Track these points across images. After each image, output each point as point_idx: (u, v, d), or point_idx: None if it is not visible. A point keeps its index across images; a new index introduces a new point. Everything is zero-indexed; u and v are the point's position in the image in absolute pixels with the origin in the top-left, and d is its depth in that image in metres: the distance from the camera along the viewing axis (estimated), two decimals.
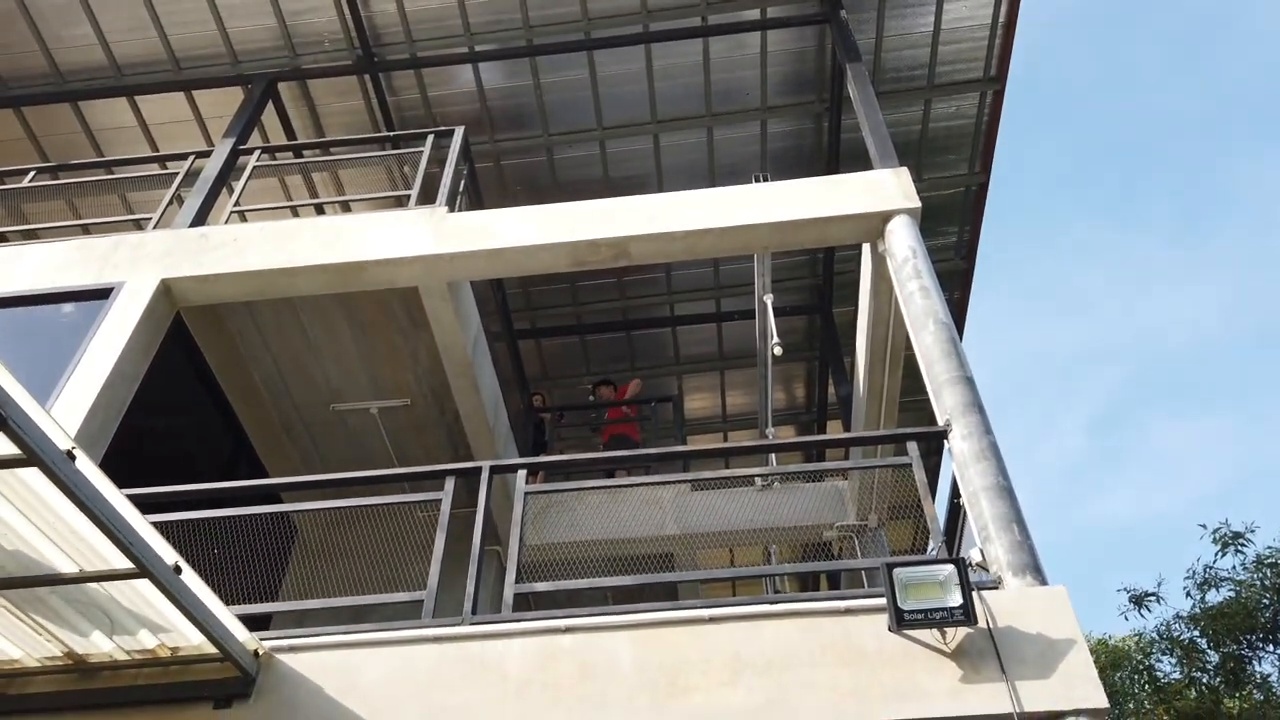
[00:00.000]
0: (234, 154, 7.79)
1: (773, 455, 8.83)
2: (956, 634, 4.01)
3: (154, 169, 8.26)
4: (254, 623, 4.34)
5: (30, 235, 7.59)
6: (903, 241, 6.05)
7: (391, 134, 8.78)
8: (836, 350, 10.19)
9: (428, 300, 6.66)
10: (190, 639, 4.00)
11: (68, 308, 6.27)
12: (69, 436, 3.12)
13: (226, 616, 4.00)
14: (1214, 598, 11.79)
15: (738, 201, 6.51)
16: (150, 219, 7.11)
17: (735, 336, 10.96)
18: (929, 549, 4.80)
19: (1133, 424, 76.16)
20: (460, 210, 7.06)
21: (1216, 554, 11.85)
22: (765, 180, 7.21)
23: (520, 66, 8.99)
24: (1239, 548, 11.71)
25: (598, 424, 10.26)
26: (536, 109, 9.24)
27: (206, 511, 4.96)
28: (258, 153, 7.75)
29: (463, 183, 7.47)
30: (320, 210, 9.32)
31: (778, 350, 7.67)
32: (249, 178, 7.47)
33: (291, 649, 4.35)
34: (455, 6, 8.56)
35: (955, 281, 10.18)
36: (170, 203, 7.35)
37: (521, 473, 5.22)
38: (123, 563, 3.51)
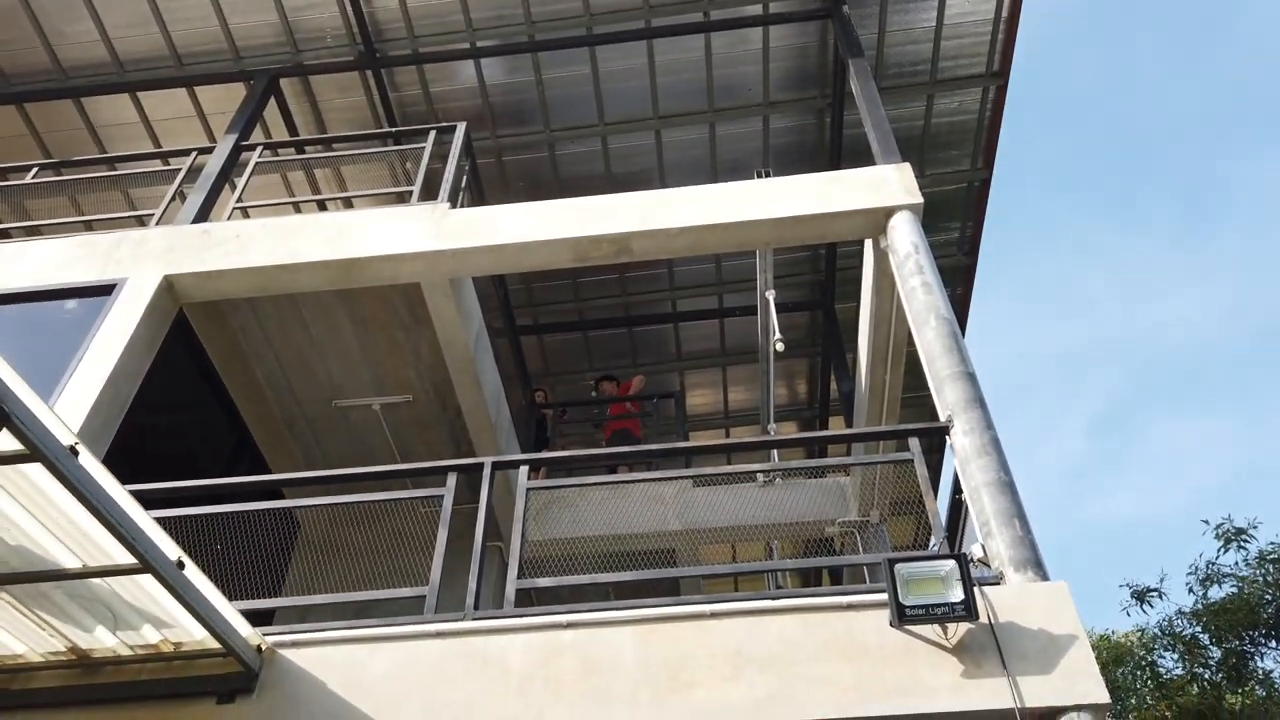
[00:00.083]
0: (236, 150, 7.80)
1: (775, 451, 8.85)
2: (958, 629, 4.02)
3: (156, 165, 8.26)
4: (257, 618, 4.35)
5: (33, 232, 7.59)
6: (905, 237, 6.04)
7: (394, 130, 8.79)
8: (838, 346, 10.19)
9: (430, 296, 6.66)
10: (193, 634, 4.01)
11: (71, 304, 6.28)
12: (72, 432, 3.13)
13: (229, 612, 4.01)
14: (1216, 593, 11.80)
15: (740, 197, 6.51)
16: (153, 215, 7.12)
17: (737, 332, 10.96)
18: (931, 544, 4.80)
19: (1134, 424, 76.13)
20: (462, 206, 7.06)
21: (1219, 550, 11.87)
22: (767, 176, 7.21)
23: (522, 62, 8.99)
24: (1241, 544, 11.72)
25: (600, 420, 10.26)
26: (538, 105, 9.23)
27: (209, 507, 4.97)
28: (260, 149, 7.76)
29: (465, 179, 7.48)
30: (322, 206, 9.32)
31: (779, 346, 7.67)
32: (251, 174, 7.47)
33: (294, 644, 4.36)
34: (457, 2, 8.55)
35: (957, 277, 10.17)
36: (173, 199, 7.35)
37: (523, 468, 5.22)
38: (126, 558, 3.52)
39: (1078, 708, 3.81)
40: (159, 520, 3.62)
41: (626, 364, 11.20)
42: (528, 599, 4.82)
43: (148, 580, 3.66)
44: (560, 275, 10.26)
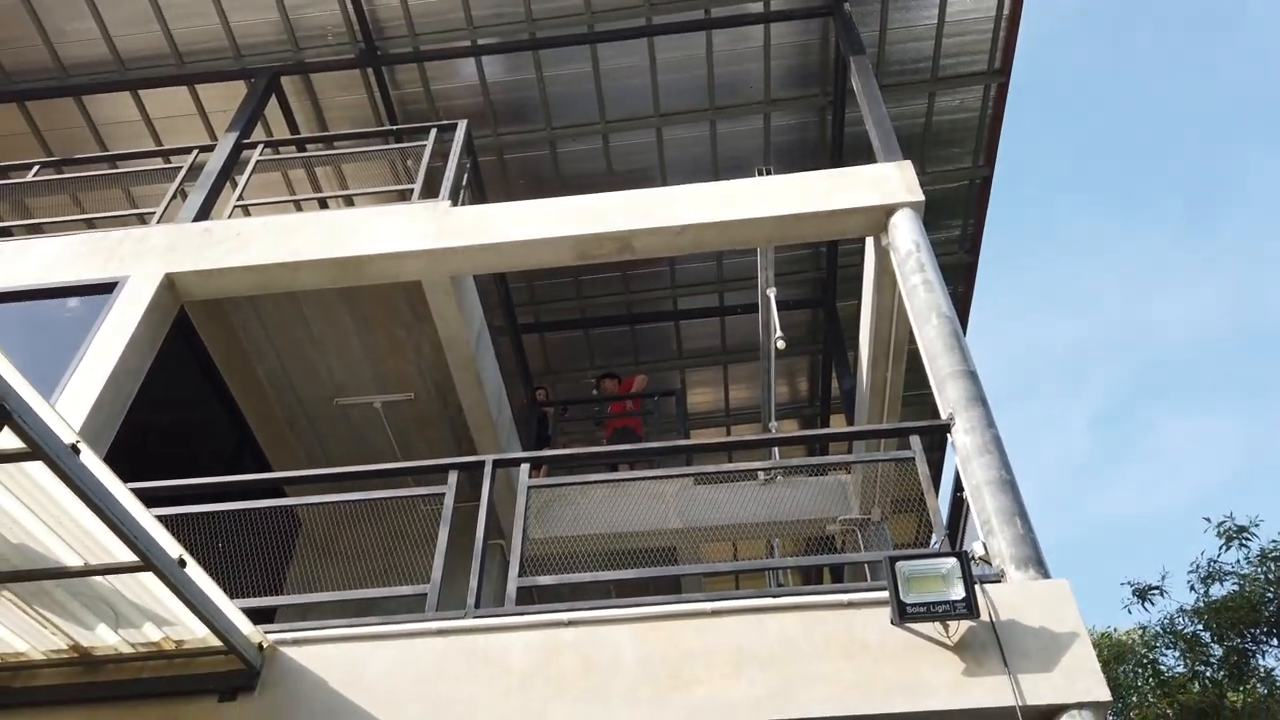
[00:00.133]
0: (237, 148, 7.80)
1: (776, 449, 8.84)
2: (959, 627, 4.02)
3: (157, 163, 8.27)
4: (258, 616, 4.36)
5: (34, 230, 7.60)
6: (906, 235, 6.04)
7: (394, 128, 8.79)
8: (840, 344, 10.18)
9: (431, 294, 6.66)
10: (195, 632, 4.02)
11: (72, 302, 6.28)
12: (74, 431, 3.14)
13: (231, 610, 4.01)
14: (1218, 591, 11.79)
15: (741, 195, 6.50)
16: (154, 213, 7.12)
17: (738, 330, 10.95)
18: (932, 543, 4.80)
19: (1136, 421, 76.11)
20: (463, 204, 7.06)
21: (1220, 548, 11.86)
22: (768, 174, 7.20)
23: (523, 60, 8.98)
24: (1243, 541, 11.71)
25: (601, 418, 10.26)
26: (539, 102, 9.23)
27: (211, 505, 4.97)
28: (261, 147, 7.76)
29: (466, 177, 7.48)
30: (323, 204, 9.32)
31: (781, 344, 7.66)
32: (252, 172, 7.48)
33: (296, 642, 4.36)
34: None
35: (959, 275, 10.16)
36: (174, 197, 7.36)
37: (524, 466, 5.22)
38: (127, 556, 3.52)
39: (1079, 706, 3.81)
40: (160, 518, 3.62)
41: (628, 362, 11.20)
42: (529, 597, 4.82)
43: (149, 578, 3.66)
44: (562, 273, 10.26)
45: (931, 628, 4.05)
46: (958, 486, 5.17)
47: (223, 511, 4.96)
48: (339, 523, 6.95)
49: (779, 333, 7.69)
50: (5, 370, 2.84)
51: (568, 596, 4.77)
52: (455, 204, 6.82)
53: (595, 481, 6.25)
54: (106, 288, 6.22)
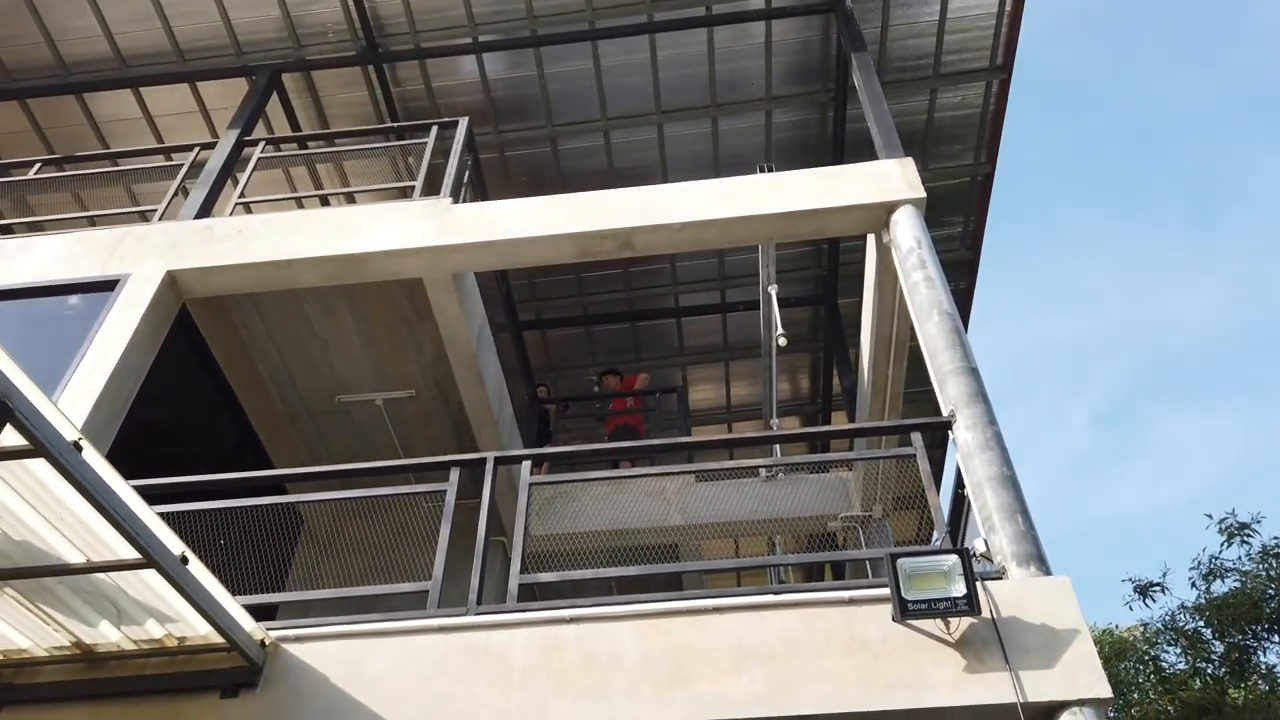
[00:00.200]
0: (238, 145, 7.80)
1: (777, 446, 8.85)
2: (960, 624, 4.02)
3: (159, 161, 8.28)
4: (260, 613, 4.37)
5: (36, 227, 7.60)
6: (908, 232, 6.04)
7: (396, 125, 8.79)
8: (841, 341, 10.18)
9: (432, 292, 6.66)
10: (197, 629, 4.03)
11: (74, 299, 6.29)
12: (76, 428, 3.14)
13: (233, 606, 4.02)
14: (1219, 588, 11.77)
15: (742, 192, 6.50)
16: (155, 211, 7.12)
17: (740, 327, 10.95)
18: (933, 539, 4.80)
19: (1138, 417, 76.07)
20: (464, 201, 7.06)
21: (1222, 544, 11.83)
22: (770, 171, 7.20)
23: (524, 57, 8.98)
24: (1245, 538, 11.68)
25: (603, 414, 10.27)
26: (540, 100, 9.23)
27: (213, 502, 4.98)
28: (262, 144, 7.76)
29: (467, 174, 7.47)
30: (325, 202, 9.32)
31: (782, 341, 7.66)
32: (253, 169, 7.48)
33: (298, 639, 4.37)
34: None
35: (961, 272, 10.16)
36: (175, 194, 7.36)
37: (526, 464, 5.22)
38: (130, 553, 3.53)
39: (1080, 702, 3.81)
40: (163, 515, 3.63)
41: (629, 359, 11.20)
42: (530, 594, 4.83)
43: (151, 575, 3.67)
44: (563, 270, 10.26)
45: (933, 624, 4.05)
46: (959, 483, 5.18)
47: (224, 508, 4.97)
48: (340, 520, 6.97)
49: (780, 330, 7.69)
50: (7, 368, 2.84)
51: (569, 593, 4.77)
52: (456, 201, 6.82)
53: (596, 479, 6.26)
54: (108, 285, 6.23)
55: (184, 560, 3.68)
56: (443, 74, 9.14)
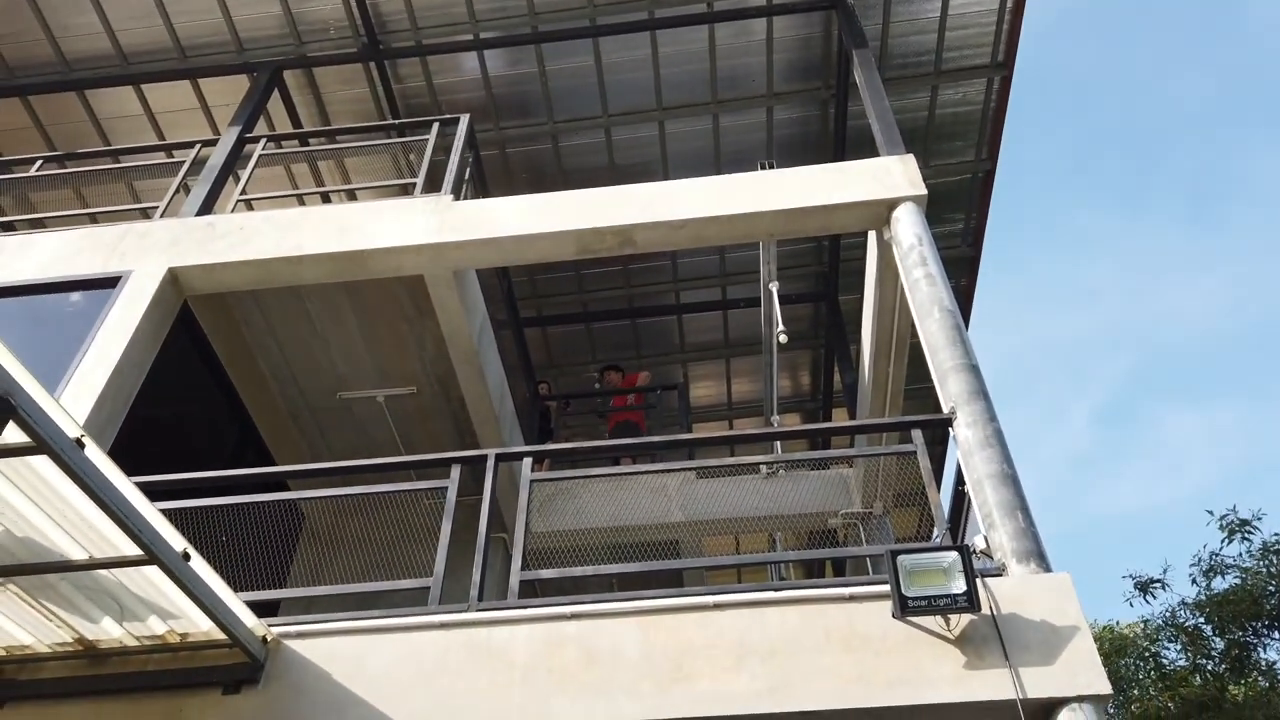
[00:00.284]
0: (240, 142, 7.81)
1: (778, 443, 8.85)
2: (960, 621, 4.03)
3: (160, 158, 8.29)
4: (262, 609, 4.38)
5: (38, 224, 7.61)
6: (908, 229, 6.04)
7: (397, 122, 8.80)
8: (842, 338, 10.18)
9: (433, 288, 6.67)
10: (199, 625, 4.04)
11: (75, 296, 6.30)
12: (78, 425, 3.15)
13: (235, 603, 4.03)
14: (1220, 585, 11.77)
15: (743, 189, 6.50)
16: (157, 208, 7.13)
17: (741, 324, 10.96)
18: (933, 536, 4.81)
19: (1139, 414, 76.02)
20: (465, 198, 7.06)
21: (1223, 541, 11.84)
22: (771, 167, 7.20)
23: (525, 54, 8.98)
24: (1245, 535, 11.69)
25: (604, 411, 10.28)
26: (542, 96, 9.23)
27: (215, 499, 4.99)
28: (263, 141, 7.77)
29: (468, 171, 7.48)
30: (326, 199, 9.32)
31: (783, 338, 7.67)
32: (255, 166, 7.49)
33: (299, 635, 4.38)
34: None
35: (962, 269, 10.16)
36: (177, 191, 7.37)
37: (527, 460, 5.23)
38: (132, 549, 3.54)
39: (1079, 699, 3.82)
40: (165, 512, 3.64)
41: (630, 356, 11.21)
42: (531, 590, 4.84)
43: (154, 572, 3.68)
44: (564, 267, 10.27)
45: (933, 621, 4.06)
46: (959, 480, 5.18)
47: (226, 505, 4.98)
48: (342, 516, 6.98)
49: (781, 327, 7.69)
50: (10, 365, 2.85)
51: (570, 590, 4.78)
52: (457, 198, 6.82)
53: (597, 475, 6.26)
54: (110, 282, 6.24)
55: (186, 557, 3.69)
56: (444, 71, 9.14)
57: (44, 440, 3.00)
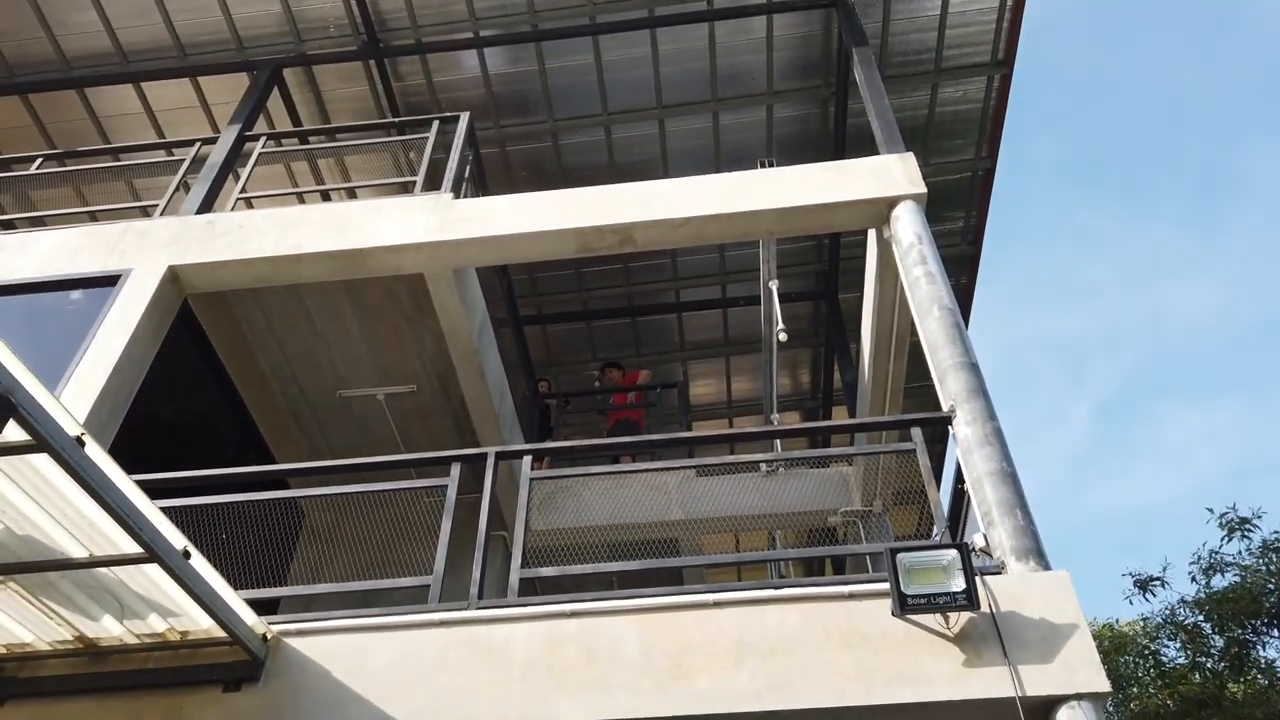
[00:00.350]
0: (240, 140, 7.81)
1: (778, 441, 8.86)
2: (959, 618, 4.03)
3: (160, 156, 8.29)
4: (262, 607, 4.38)
5: (38, 222, 7.62)
6: (908, 227, 6.04)
7: (397, 120, 8.79)
8: (842, 336, 10.19)
9: (433, 287, 6.67)
10: (199, 623, 4.04)
11: (76, 294, 6.30)
12: (78, 423, 3.15)
13: (235, 601, 4.03)
14: (1219, 582, 11.79)
15: (743, 187, 6.50)
16: (157, 206, 7.13)
17: (741, 322, 10.96)
18: (933, 534, 4.82)
19: (1139, 411, 76.01)
20: (465, 196, 7.06)
21: (1222, 539, 11.85)
22: (771, 165, 7.20)
23: (525, 52, 8.98)
24: (1245, 533, 11.70)
25: (604, 408, 10.29)
26: (542, 94, 9.23)
27: (215, 497, 4.99)
28: (263, 139, 7.77)
29: (468, 169, 7.48)
30: (326, 197, 9.33)
31: (782, 336, 7.67)
32: (255, 164, 7.49)
33: (299, 633, 4.39)
34: None
35: (961, 267, 10.16)
36: (177, 189, 7.37)
37: (527, 459, 5.24)
38: (132, 547, 3.54)
39: (1078, 696, 3.82)
40: (165, 510, 3.64)
41: (630, 354, 11.21)
42: (531, 588, 4.84)
43: (154, 569, 3.69)
44: (563, 265, 10.27)
45: (932, 619, 4.06)
46: (959, 478, 5.19)
47: (226, 503, 4.98)
48: (342, 514, 6.98)
49: (781, 325, 7.69)
50: (10, 363, 2.85)
51: (570, 588, 4.79)
52: (457, 196, 6.82)
53: (597, 474, 6.26)
54: (110, 280, 6.24)
55: (186, 555, 3.69)
56: (444, 69, 9.13)
57: (44, 438, 3.01)
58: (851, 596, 4.25)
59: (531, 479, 5.10)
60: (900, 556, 4.04)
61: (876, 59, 8.35)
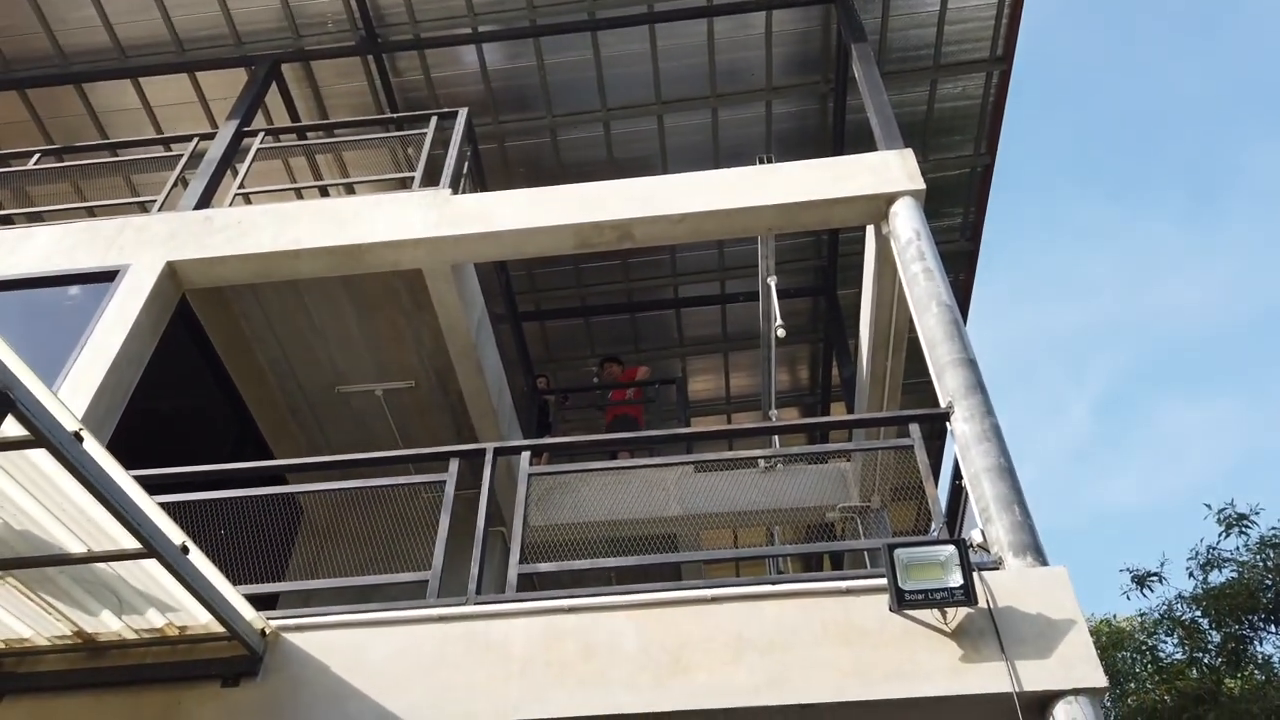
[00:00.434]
0: (238, 136, 7.79)
1: (776, 437, 8.86)
2: (957, 614, 4.04)
3: (159, 151, 8.26)
4: (261, 602, 4.39)
5: (36, 218, 7.60)
6: (907, 223, 6.04)
7: (395, 115, 8.78)
8: (840, 332, 10.19)
9: (431, 282, 6.67)
10: (198, 618, 4.05)
11: (74, 290, 6.30)
12: (76, 418, 3.15)
13: (234, 596, 4.04)
14: (1217, 578, 11.82)
15: (742, 183, 6.50)
16: (155, 201, 7.12)
17: (739, 318, 10.96)
18: (931, 530, 4.82)
19: (1138, 407, 76.09)
20: (464, 192, 7.06)
21: (1220, 535, 11.89)
22: (769, 161, 7.19)
23: (524, 47, 8.96)
24: (1243, 529, 11.73)
25: (602, 404, 10.29)
26: (540, 90, 9.21)
27: (213, 492, 5.00)
28: (261, 135, 7.76)
29: (466, 165, 7.47)
30: (324, 192, 9.31)
31: (781, 332, 7.68)
32: (253, 160, 7.48)
33: (298, 628, 4.39)
34: None
35: (960, 263, 10.16)
36: (175, 185, 7.36)
37: (525, 454, 5.24)
38: (131, 543, 3.55)
39: (1075, 692, 3.83)
40: (163, 505, 3.64)
41: (629, 350, 11.21)
42: (529, 584, 4.85)
43: (152, 565, 3.69)
44: (562, 261, 10.26)
45: (929, 615, 4.07)
46: (957, 474, 5.19)
47: (225, 499, 4.99)
48: (340, 510, 6.98)
49: (779, 321, 7.70)
50: (8, 358, 2.85)
51: (568, 583, 4.80)
52: (456, 192, 6.82)
53: (596, 469, 6.27)
54: (108, 276, 6.23)
55: (185, 550, 3.70)
56: (442, 64, 9.12)
57: (42, 434, 3.01)
58: (849, 592, 4.26)
59: (530, 474, 5.10)
60: (898, 552, 4.05)
61: (875, 55, 8.34)
